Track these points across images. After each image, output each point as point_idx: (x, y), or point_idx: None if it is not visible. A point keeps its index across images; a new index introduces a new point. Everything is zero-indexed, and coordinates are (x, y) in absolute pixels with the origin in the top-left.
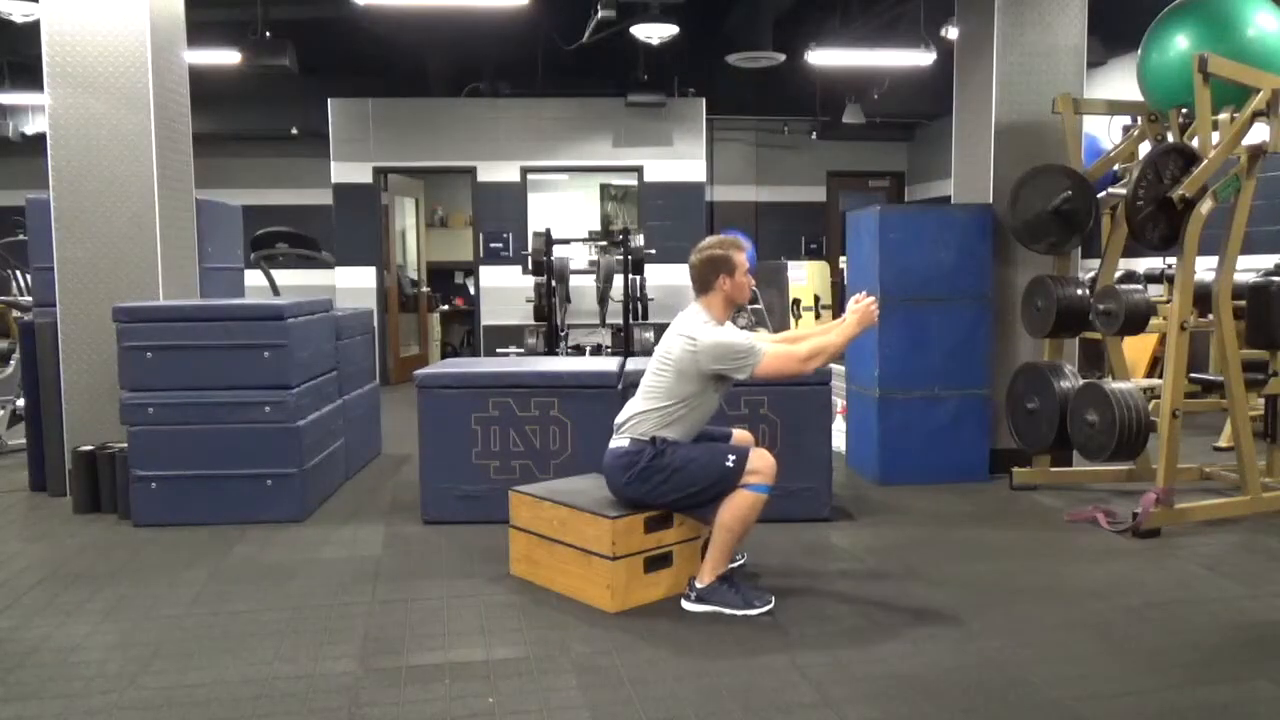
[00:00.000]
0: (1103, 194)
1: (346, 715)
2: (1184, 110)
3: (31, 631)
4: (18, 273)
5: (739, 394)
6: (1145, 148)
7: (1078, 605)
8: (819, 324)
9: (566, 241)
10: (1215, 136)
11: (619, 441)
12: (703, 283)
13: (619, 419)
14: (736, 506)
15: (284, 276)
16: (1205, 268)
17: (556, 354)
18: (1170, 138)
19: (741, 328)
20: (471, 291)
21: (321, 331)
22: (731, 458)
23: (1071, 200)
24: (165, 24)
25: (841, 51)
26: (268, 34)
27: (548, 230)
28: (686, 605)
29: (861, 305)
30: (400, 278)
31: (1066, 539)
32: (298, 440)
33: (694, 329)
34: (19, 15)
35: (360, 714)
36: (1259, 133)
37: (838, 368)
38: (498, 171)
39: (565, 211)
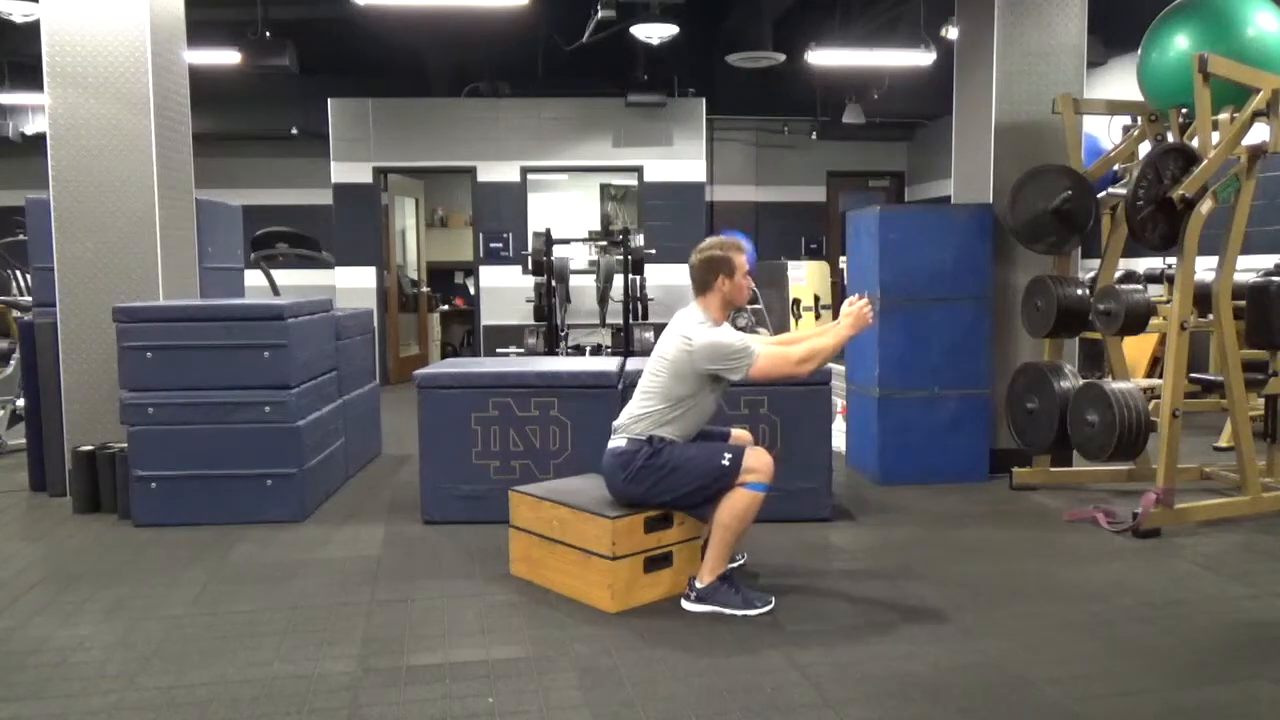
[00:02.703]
0: (1103, 194)
1: (346, 715)
2: (1184, 110)
3: (31, 631)
4: (18, 273)
5: (739, 394)
6: (1145, 148)
7: (1078, 605)
8: (819, 324)
9: (566, 241)
10: (1215, 136)
11: (617, 442)
12: (701, 283)
13: (617, 421)
14: (734, 505)
15: (284, 276)
16: (1205, 268)
17: (556, 354)
18: (1170, 138)
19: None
20: (471, 291)
21: (321, 331)
22: (728, 456)
23: (1071, 200)
24: (165, 24)
25: (841, 51)
26: (268, 34)
27: (548, 230)
28: (686, 605)
29: (855, 307)
30: (400, 278)
31: (1066, 539)
32: (298, 440)
33: (690, 329)
34: (19, 15)
35: (360, 714)
36: (1259, 133)
37: (838, 368)
38: (498, 171)
39: (565, 211)
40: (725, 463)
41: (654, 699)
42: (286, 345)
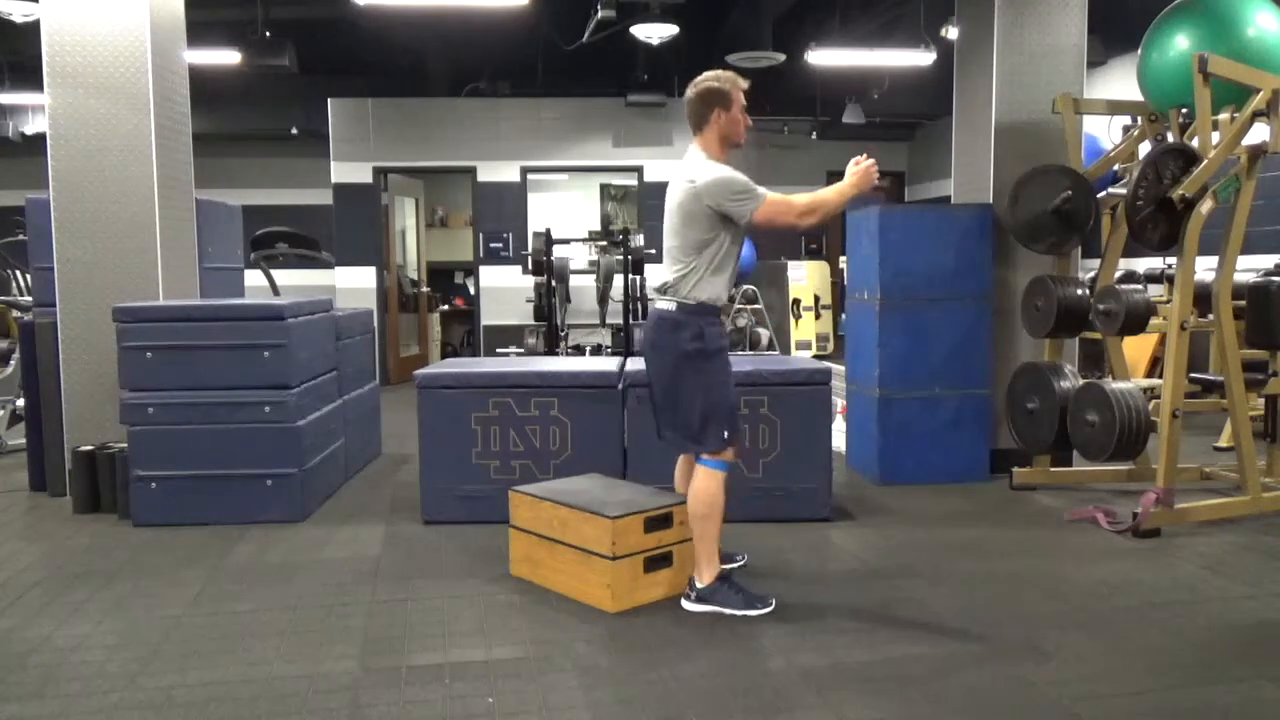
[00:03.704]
0: (1103, 194)
1: (346, 715)
2: (1184, 110)
3: (31, 631)
4: (18, 273)
5: (739, 394)
6: (1145, 148)
7: (1078, 605)
8: (819, 324)
9: (566, 241)
10: (1215, 136)
11: (664, 304)
12: (698, 118)
13: (656, 284)
14: (701, 490)
15: (284, 276)
16: (1205, 268)
17: (556, 354)
18: (1170, 138)
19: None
20: (471, 291)
21: (321, 331)
22: (726, 434)
23: (1071, 200)
24: (165, 24)
25: (841, 51)
26: (268, 34)
27: (548, 230)
28: (686, 605)
29: (862, 165)
30: (400, 278)
31: (1066, 539)
32: (298, 440)
33: (693, 170)
34: (19, 15)
35: (360, 714)
36: (1259, 133)
37: (838, 368)
38: (498, 171)
39: (565, 211)
40: (722, 437)
41: (654, 699)
42: (286, 345)
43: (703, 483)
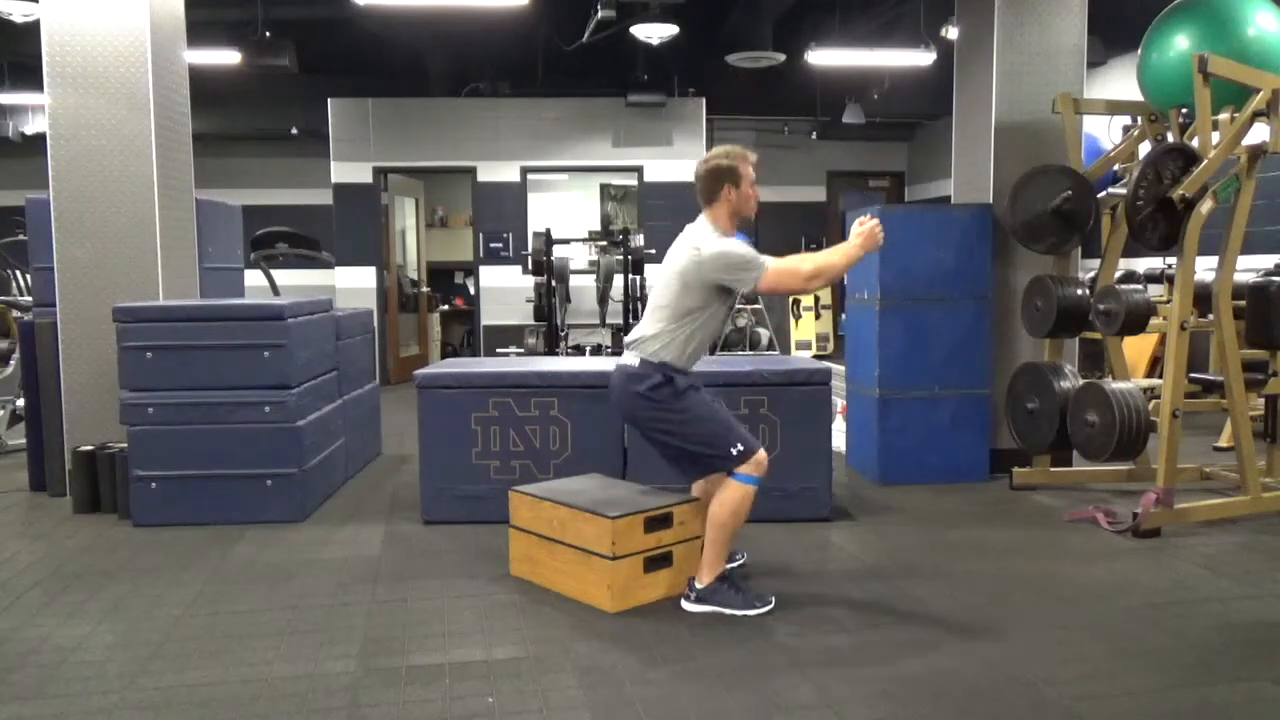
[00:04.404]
0: (1103, 194)
1: (346, 715)
2: (1184, 110)
3: (31, 631)
4: (18, 273)
5: (739, 394)
6: (1145, 148)
7: (1078, 605)
8: (819, 324)
9: (566, 241)
10: (1215, 136)
11: (629, 359)
12: (708, 194)
13: (629, 337)
14: (728, 500)
15: (284, 276)
16: (1205, 268)
17: (556, 354)
18: (1170, 138)
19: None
20: (471, 291)
21: (321, 331)
22: (740, 447)
23: (1071, 200)
24: (165, 24)
25: (841, 51)
26: (268, 34)
27: (548, 230)
28: (686, 605)
29: (866, 226)
30: (400, 278)
31: (1066, 539)
32: (298, 440)
33: (699, 239)
34: (19, 15)
35: (360, 714)
36: (1259, 133)
37: (838, 368)
38: (498, 171)
39: (565, 211)
40: (736, 451)
41: (654, 699)
42: (286, 345)
43: (731, 494)
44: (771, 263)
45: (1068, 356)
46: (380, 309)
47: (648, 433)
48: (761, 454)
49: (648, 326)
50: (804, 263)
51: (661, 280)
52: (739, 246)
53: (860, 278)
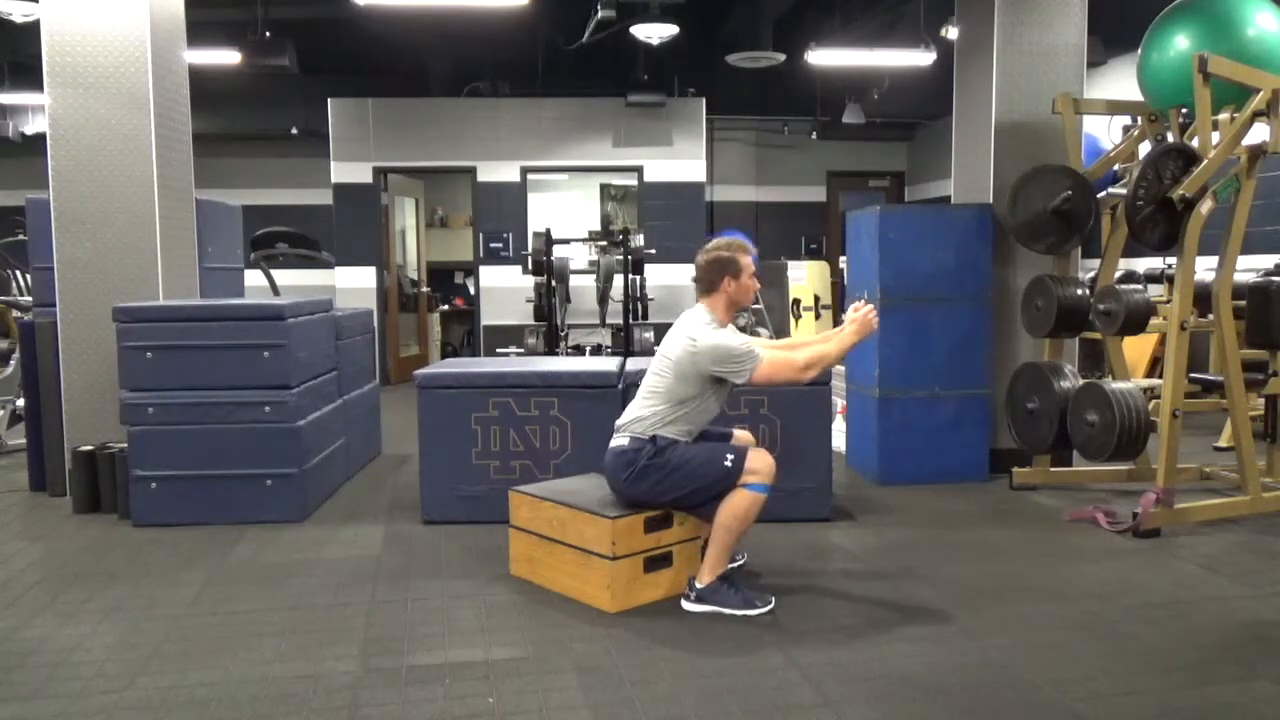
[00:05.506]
0: (1103, 194)
1: (346, 715)
2: (1184, 110)
3: (31, 631)
4: (18, 273)
5: (739, 394)
6: (1145, 148)
7: (1078, 605)
8: (819, 324)
9: (566, 241)
10: (1215, 136)
11: (619, 441)
12: (707, 284)
13: (619, 420)
14: (735, 506)
15: (284, 276)
16: (1205, 268)
17: (556, 354)
18: (1170, 138)
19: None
20: (471, 291)
21: (321, 331)
22: (730, 457)
23: (1071, 200)
24: (165, 24)
25: (841, 52)
26: (268, 34)
27: (548, 230)
28: (686, 605)
29: (860, 314)
30: (400, 278)
31: (1066, 539)
32: (298, 440)
33: (695, 330)
34: (19, 15)
35: (360, 714)
36: (1259, 133)
37: (838, 368)
38: (498, 171)
39: (565, 211)
40: (728, 464)
41: (654, 699)
42: (286, 345)
43: (740, 500)
44: (767, 355)
45: (1068, 356)
46: (380, 309)
47: (657, 502)
48: (760, 459)
49: (641, 405)
50: (799, 354)
51: (656, 366)
52: (734, 339)
53: (860, 278)
